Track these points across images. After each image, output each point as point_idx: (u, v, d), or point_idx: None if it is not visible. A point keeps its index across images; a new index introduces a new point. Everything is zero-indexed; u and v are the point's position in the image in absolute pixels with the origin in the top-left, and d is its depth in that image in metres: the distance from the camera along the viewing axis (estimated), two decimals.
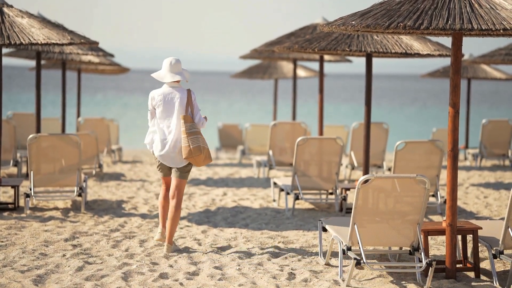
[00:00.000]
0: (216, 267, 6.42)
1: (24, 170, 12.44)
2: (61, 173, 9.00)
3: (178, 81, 7.04)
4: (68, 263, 6.44)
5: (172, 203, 7.01)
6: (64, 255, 6.73)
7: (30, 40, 8.60)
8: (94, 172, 11.66)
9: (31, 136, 8.91)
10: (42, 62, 15.48)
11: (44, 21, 9.16)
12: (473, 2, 5.69)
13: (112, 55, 12.96)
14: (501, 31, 5.45)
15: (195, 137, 6.90)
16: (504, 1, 5.67)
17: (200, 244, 7.31)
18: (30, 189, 8.80)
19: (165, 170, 7.13)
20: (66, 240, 7.35)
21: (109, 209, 9.22)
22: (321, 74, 11.21)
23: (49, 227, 8.00)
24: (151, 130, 7.16)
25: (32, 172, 8.85)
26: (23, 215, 8.64)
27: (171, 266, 6.46)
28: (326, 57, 12.98)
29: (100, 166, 11.87)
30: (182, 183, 7.02)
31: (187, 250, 7.06)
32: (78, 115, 15.37)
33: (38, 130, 10.44)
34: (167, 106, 6.97)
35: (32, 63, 19.35)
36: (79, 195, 8.88)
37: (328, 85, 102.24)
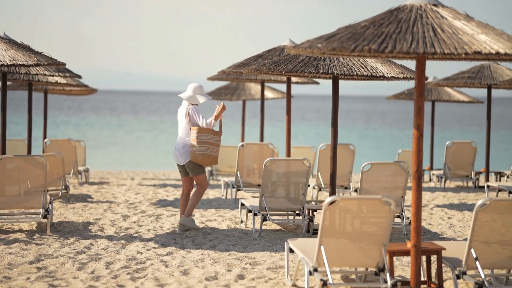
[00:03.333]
0: None
1: None
2: (26, 195, 8.91)
3: (191, 101, 9.13)
4: (32, 286, 6.36)
5: (195, 188, 9.12)
6: (28, 278, 6.65)
7: None
8: (60, 193, 11.56)
9: None
10: (8, 83, 15.33)
11: (10, 42, 9.11)
12: (435, 27, 5.82)
13: (79, 76, 12.90)
14: (463, 55, 5.58)
15: (206, 146, 8.87)
16: (465, 26, 5.81)
17: (167, 266, 7.28)
18: None
19: (180, 171, 9.09)
20: (30, 262, 7.27)
21: (75, 231, 9.14)
22: (288, 95, 11.30)
23: (13, 249, 7.90)
24: None
25: None
26: None
27: None
28: (293, 79, 13.09)
29: (66, 187, 11.77)
30: (196, 179, 9.01)
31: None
32: (45, 137, 15.23)
33: (3, 151, 10.33)
34: (178, 117, 9.15)
35: None
36: (45, 217, 8.79)
37: (295, 107, 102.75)
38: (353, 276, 6.86)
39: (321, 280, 5.77)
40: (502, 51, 5.49)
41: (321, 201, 12.00)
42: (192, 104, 9.11)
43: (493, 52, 5.50)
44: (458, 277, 6.03)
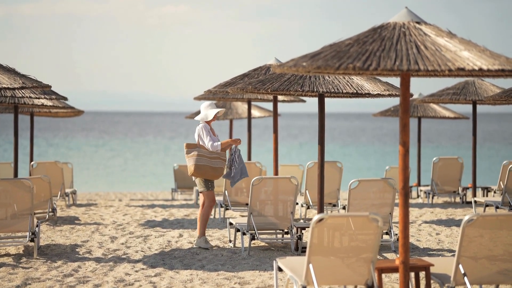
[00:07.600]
0: None
1: None
2: (13, 218, 8.85)
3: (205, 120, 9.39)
4: None
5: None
6: None
7: None
8: (47, 216, 11.49)
9: None
10: None
11: None
12: (419, 44, 5.87)
13: (65, 98, 12.88)
14: (447, 72, 5.62)
15: (193, 158, 9.17)
16: (448, 43, 5.87)
17: (155, 287, 7.24)
18: None
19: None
20: (17, 287, 7.20)
21: (63, 253, 9.08)
22: (275, 114, 11.33)
23: (0, 274, 7.83)
24: None
25: None
26: None
27: None
28: (279, 97, 13.13)
29: (54, 210, 11.70)
30: (201, 195, 9.55)
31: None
32: (31, 159, 15.16)
33: None
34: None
35: None
36: (32, 240, 8.73)
37: (282, 125, 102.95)
38: None
39: None
40: (485, 67, 5.55)
41: (309, 219, 12.00)
42: (208, 121, 9.38)
43: (476, 68, 5.55)
44: None
